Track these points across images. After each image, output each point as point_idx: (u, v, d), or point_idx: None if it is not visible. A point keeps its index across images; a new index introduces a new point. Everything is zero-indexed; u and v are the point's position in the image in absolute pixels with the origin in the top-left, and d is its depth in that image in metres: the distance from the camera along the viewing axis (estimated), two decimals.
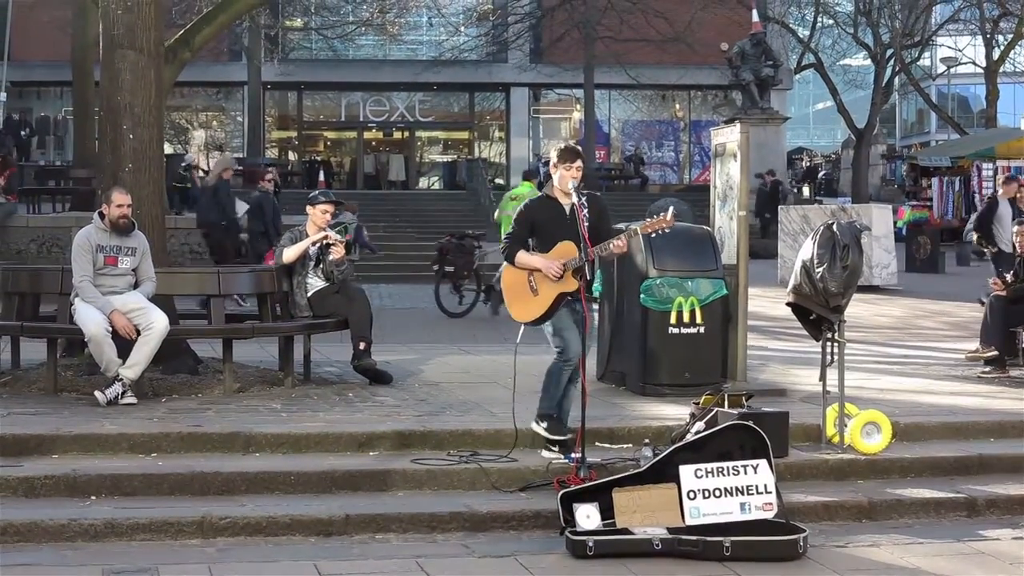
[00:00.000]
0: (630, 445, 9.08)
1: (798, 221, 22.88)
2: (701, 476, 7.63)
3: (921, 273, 26.05)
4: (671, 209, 8.82)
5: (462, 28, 47.99)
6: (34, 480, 8.05)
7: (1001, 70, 45.46)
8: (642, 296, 10.69)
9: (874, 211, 23.05)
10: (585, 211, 8.52)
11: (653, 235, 8.91)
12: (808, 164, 50.61)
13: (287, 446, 8.90)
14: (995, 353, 12.49)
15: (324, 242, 11.19)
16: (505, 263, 8.92)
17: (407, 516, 7.86)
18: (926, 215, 34.64)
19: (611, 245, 8.58)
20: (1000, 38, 45.66)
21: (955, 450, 9.48)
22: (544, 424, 8.80)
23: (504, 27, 45.92)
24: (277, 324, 11.16)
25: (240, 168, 31.78)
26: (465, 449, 8.92)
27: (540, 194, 9.04)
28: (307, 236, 11.24)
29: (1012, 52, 46.22)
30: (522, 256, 8.70)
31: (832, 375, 9.27)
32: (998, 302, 12.59)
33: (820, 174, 49.77)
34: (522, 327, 8.81)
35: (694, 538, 7.37)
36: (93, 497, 7.97)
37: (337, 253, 11.13)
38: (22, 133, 42.36)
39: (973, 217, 20.93)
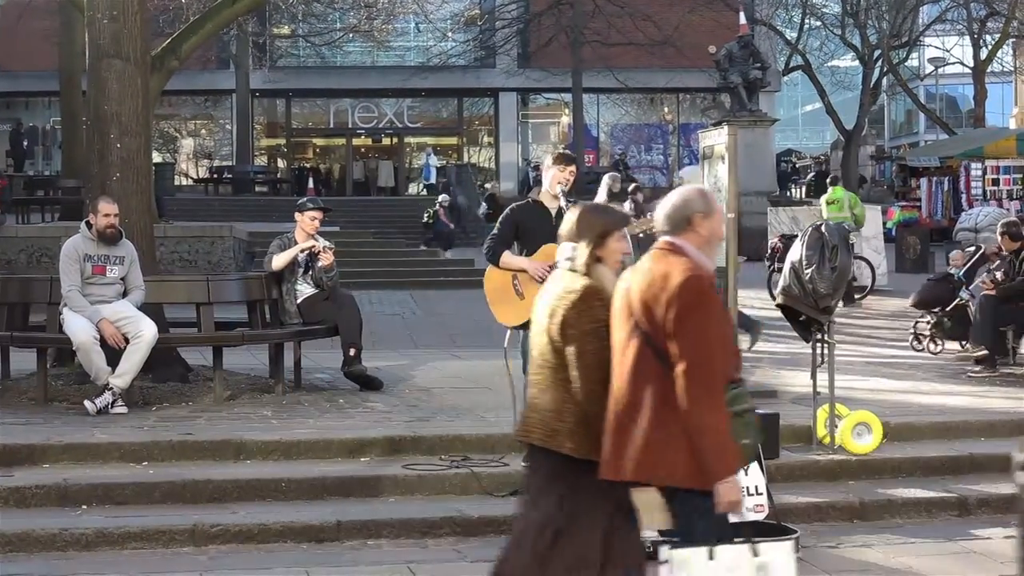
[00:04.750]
0: None
1: (787, 223, 22.86)
2: None
3: (911, 273, 25.98)
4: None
5: (450, 34, 47.98)
6: (25, 490, 8.04)
7: (989, 70, 45.48)
8: None
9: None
10: None
11: (641, 235, 8.87)
12: (822, 168, 50.29)
13: (278, 453, 8.89)
14: (985, 352, 12.51)
15: (312, 250, 11.17)
16: (489, 264, 8.82)
17: (399, 522, 7.86)
18: (915, 215, 34.69)
19: None
20: (987, 38, 45.67)
21: (946, 450, 9.50)
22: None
23: (492, 32, 45.91)
24: (267, 331, 11.13)
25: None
26: (456, 454, 8.92)
27: (526, 199, 9.02)
28: (296, 243, 11.22)
29: (999, 52, 46.24)
30: (507, 257, 8.66)
31: (822, 376, 9.28)
32: (988, 302, 12.61)
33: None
34: (508, 331, 8.78)
35: None
36: (84, 506, 7.97)
37: (326, 260, 11.10)
38: (24, 144, 42.39)
39: None
